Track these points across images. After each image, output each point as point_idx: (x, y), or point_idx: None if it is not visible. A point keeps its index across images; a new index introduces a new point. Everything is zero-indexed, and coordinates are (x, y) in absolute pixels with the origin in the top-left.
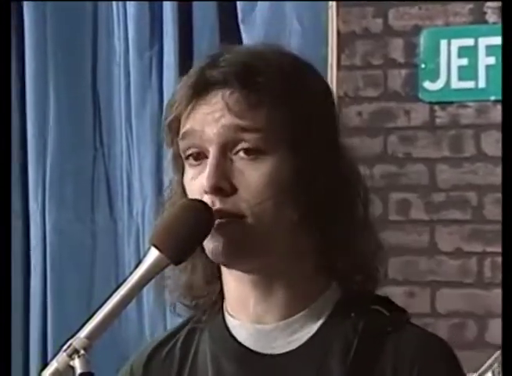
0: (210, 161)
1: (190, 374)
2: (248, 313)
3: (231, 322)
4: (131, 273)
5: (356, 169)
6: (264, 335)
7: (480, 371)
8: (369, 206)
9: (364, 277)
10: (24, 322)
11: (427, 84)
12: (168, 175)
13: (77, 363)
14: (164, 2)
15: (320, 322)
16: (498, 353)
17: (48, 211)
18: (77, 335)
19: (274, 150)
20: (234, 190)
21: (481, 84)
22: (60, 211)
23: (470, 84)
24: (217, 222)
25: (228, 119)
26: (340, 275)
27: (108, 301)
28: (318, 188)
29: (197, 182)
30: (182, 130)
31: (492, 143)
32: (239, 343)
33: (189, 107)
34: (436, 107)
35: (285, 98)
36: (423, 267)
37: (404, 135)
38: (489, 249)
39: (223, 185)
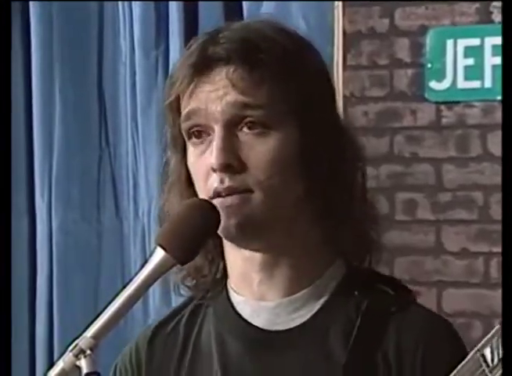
0: (217, 139)
1: (194, 349)
2: (252, 290)
3: (235, 298)
4: (137, 273)
5: (356, 144)
6: (267, 312)
7: (479, 346)
8: (366, 180)
9: (365, 249)
10: (30, 321)
11: (434, 84)
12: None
13: (83, 363)
14: (170, 2)
15: (323, 299)
16: (497, 327)
17: (54, 210)
18: (84, 335)
19: (279, 125)
20: (242, 166)
21: (488, 83)
22: (66, 211)
23: (476, 84)
24: (227, 199)
25: (232, 96)
26: (342, 249)
27: (114, 301)
28: (322, 163)
29: (202, 161)
30: (186, 109)
31: (499, 143)
32: (244, 319)
33: (192, 86)
34: (442, 107)
35: (288, 74)
36: (429, 267)
37: (410, 135)
38: (495, 249)
39: (232, 161)
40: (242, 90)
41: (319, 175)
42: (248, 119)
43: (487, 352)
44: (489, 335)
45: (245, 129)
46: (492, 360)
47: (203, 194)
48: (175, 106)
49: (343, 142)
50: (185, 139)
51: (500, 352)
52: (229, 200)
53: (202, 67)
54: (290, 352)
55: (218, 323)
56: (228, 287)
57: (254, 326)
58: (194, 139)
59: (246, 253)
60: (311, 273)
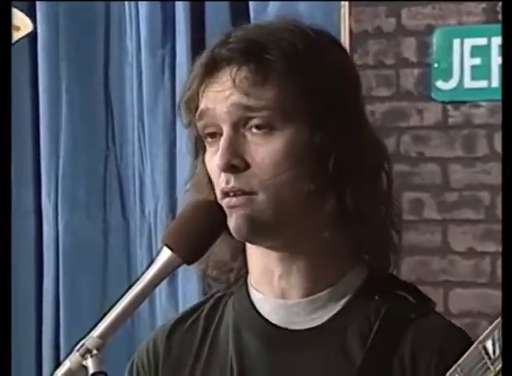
0: (223, 139)
1: (211, 345)
2: (272, 288)
3: (255, 295)
4: (143, 273)
5: (379, 143)
6: (286, 310)
7: (481, 338)
8: (392, 180)
9: (384, 252)
10: (37, 321)
11: (440, 84)
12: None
13: (89, 363)
14: (177, 2)
15: (343, 301)
16: (498, 320)
17: (60, 210)
18: (90, 335)
19: (285, 124)
20: (247, 167)
21: (494, 83)
22: (73, 211)
23: (483, 84)
24: (233, 199)
25: (236, 97)
26: (361, 252)
27: (120, 301)
28: (335, 162)
29: (214, 161)
30: (198, 109)
31: None
32: (262, 317)
33: (202, 86)
34: (449, 107)
35: (295, 72)
36: (435, 267)
37: (417, 135)
38: None
39: (236, 162)
40: (245, 91)
41: (333, 174)
42: (255, 121)
43: (489, 344)
44: (491, 327)
45: (253, 129)
46: (494, 352)
47: (217, 193)
48: (190, 107)
49: (362, 142)
50: (203, 138)
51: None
52: (234, 200)
53: (211, 68)
54: (307, 351)
55: (236, 319)
56: (249, 283)
57: (272, 324)
58: (209, 139)
59: (264, 248)
60: (332, 275)
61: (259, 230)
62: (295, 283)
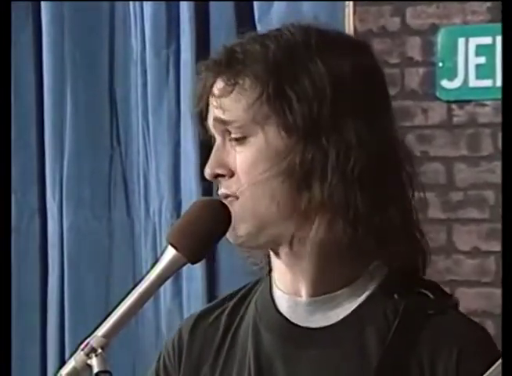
0: (213, 150)
1: (232, 343)
2: (287, 285)
3: (276, 292)
4: (148, 272)
5: (373, 136)
6: (302, 308)
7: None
8: (406, 179)
9: (402, 249)
10: (42, 321)
11: (445, 83)
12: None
13: (94, 362)
14: (181, 2)
15: (361, 299)
16: (499, 362)
17: (65, 209)
18: (95, 334)
19: (257, 132)
20: (232, 174)
21: (499, 82)
22: (77, 210)
23: (487, 83)
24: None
25: (216, 112)
26: (380, 248)
27: (125, 300)
28: (317, 162)
29: None
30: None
31: None
32: (280, 314)
33: (205, 97)
34: (454, 106)
35: (264, 79)
36: (440, 266)
37: (421, 134)
38: None
39: (220, 171)
40: (220, 105)
41: (321, 176)
42: (232, 135)
43: None
44: (492, 369)
45: (232, 141)
46: None
47: None
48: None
49: (351, 141)
50: None
51: None
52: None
53: (207, 80)
54: (322, 349)
55: (256, 315)
56: (272, 280)
57: (289, 321)
58: None
59: None
60: (349, 273)
61: (238, 233)
62: (308, 282)
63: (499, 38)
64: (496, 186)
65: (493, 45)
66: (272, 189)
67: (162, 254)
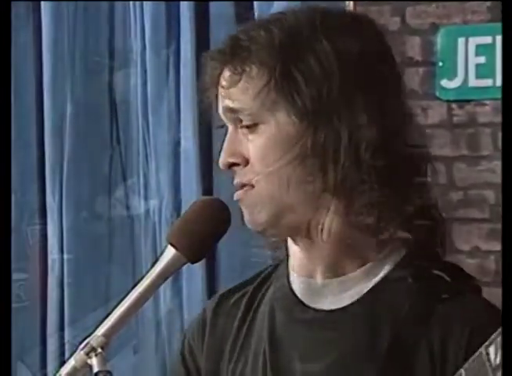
0: (225, 139)
1: (252, 320)
2: (302, 268)
3: (292, 275)
4: (147, 272)
5: (382, 121)
6: (316, 290)
7: (487, 342)
8: (419, 161)
9: (420, 233)
10: (42, 320)
11: (445, 83)
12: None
13: (94, 362)
14: (181, 2)
15: (374, 281)
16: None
17: (65, 209)
18: (95, 333)
19: (268, 119)
20: (246, 162)
21: (499, 82)
22: (77, 210)
23: (487, 83)
24: (237, 193)
25: (226, 101)
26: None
27: (125, 300)
28: (329, 146)
29: None
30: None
31: None
32: (295, 295)
33: (214, 88)
34: (454, 105)
35: (270, 65)
36: None
37: None
38: None
39: (233, 160)
40: (229, 94)
41: (334, 159)
42: (243, 122)
43: (491, 350)
44: (496, 334)
45: (244, 129)
46: (495, 360)
47: None
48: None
49: (365, 122)
50: None
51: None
52: (237, 194)
53: (216, 69)
54: (335, 331)
55: (272, 297)
56: (289, 264)
57: (302, 302)
58: None
59: None
60: (363, 255)
61: (260, 222)
62: (322, 265)
63: (499, 38)
64: (496, 185)
65: (493, 44)
66: (287, 176)
67: (162, 253)
